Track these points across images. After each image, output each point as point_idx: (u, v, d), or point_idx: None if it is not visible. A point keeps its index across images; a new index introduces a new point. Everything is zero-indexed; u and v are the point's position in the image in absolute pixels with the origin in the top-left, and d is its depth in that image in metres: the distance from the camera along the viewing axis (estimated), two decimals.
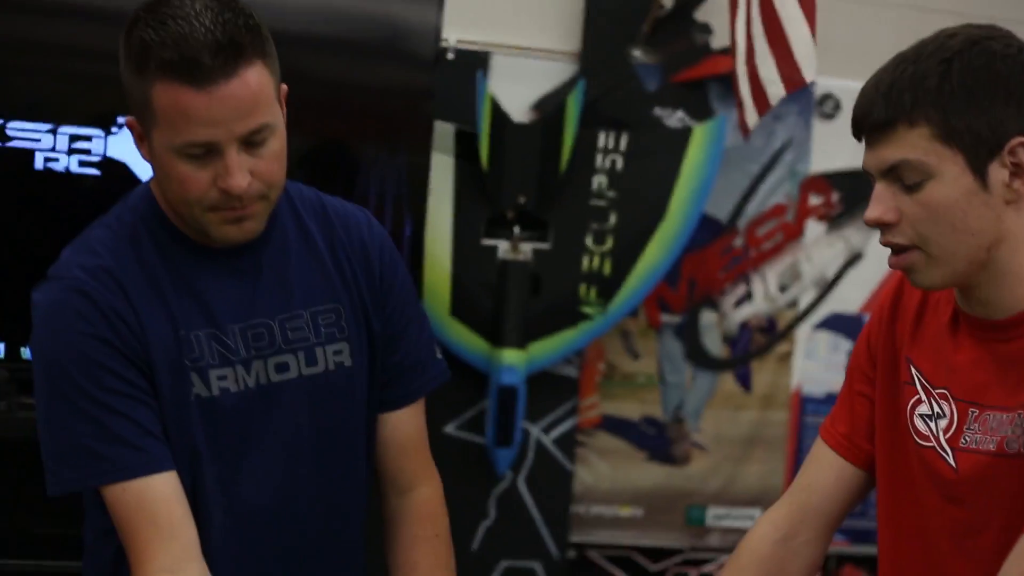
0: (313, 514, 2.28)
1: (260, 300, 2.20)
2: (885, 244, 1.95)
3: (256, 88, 2.01)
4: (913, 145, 1.87)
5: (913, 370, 2.08)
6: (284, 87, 2.14)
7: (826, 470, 2.22)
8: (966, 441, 1.97)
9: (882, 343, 2.16)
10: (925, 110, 1.86)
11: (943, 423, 2.02)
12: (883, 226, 1.93)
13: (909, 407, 2.08)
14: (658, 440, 4.51)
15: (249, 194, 2.05)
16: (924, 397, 2.06)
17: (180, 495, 2.11)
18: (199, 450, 2.16)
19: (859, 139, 1.95)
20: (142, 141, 2.09)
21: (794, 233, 4.52)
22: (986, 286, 1.94)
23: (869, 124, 1.91)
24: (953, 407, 2.00)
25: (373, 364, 2.31)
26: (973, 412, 1.97)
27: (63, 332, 2.09)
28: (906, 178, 1.89)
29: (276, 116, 2.07)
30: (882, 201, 1.92)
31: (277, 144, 2.07)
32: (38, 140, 3.44)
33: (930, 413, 2.04)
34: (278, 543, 2.25)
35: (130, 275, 2.12)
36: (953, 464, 1.99)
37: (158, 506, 2.08)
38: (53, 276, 2.13)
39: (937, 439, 2.02)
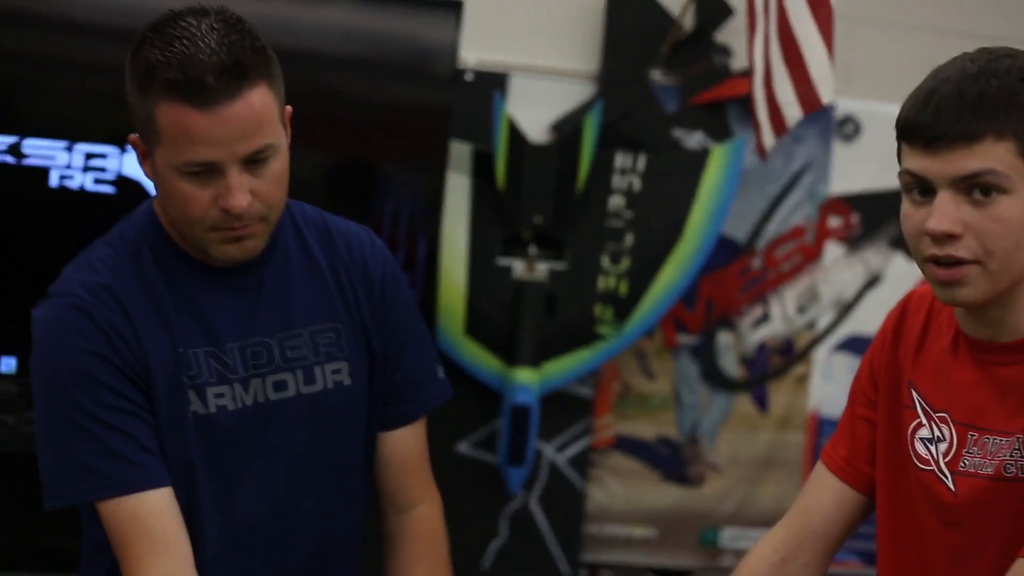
0: (310, 532, 2.28)
1: (260, 318, 2.21)
2: (943, 256, 1.88)
3: (260, 110, 2.03)
4: (999, 158, 1.84)
5: (914, 394, 2.08)
6: (289, 108, 2.15)
7: (826, 493, 2.22)
8: (965, 465, 1.97)
9: (884, 367, 2.16)
10: (1015, 125, 1.83)
11: (943, 447, 2.01)
12: (948, 238, 1.87)
13: (910, 431, 2.08)
14: (673, 461, 4.50)
15: (250, 214, 2.06)
16: (925, 421, 2.05)
17: (175, 511, 2.12)
18: (195, 467, 2.17)
19: (921, 144, 1.88)
20: (145, 159, 2.11)
21: (813, 255, 4.51)
22: (997, 309, 1.93)
23: (956, 131, 1.85)
24: (953, 430, 2.00)
25: (373, 383, 2.32)
26: (972, 436, 1.97)
27: (61, 348, 2.11)
28: (982, 190, 1.85)
29: (279, 138, 2.08)
30: (949, 212, 1.86)
31: (279, 165, 2.09)
32: (53, 158, 3.45)
33: (930, 437, 2.04)
34: (274, 561, 2.26)
35: (130, 292, 2.14)
36: (952, 488, 1.99)
37: (152, 521, 2.09)
38: (53, 293, 2.16)
39: (937, 463, 2.02)
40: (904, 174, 1.91)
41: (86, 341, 2.10)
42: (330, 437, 2.28)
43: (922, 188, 1.89)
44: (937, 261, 1.89)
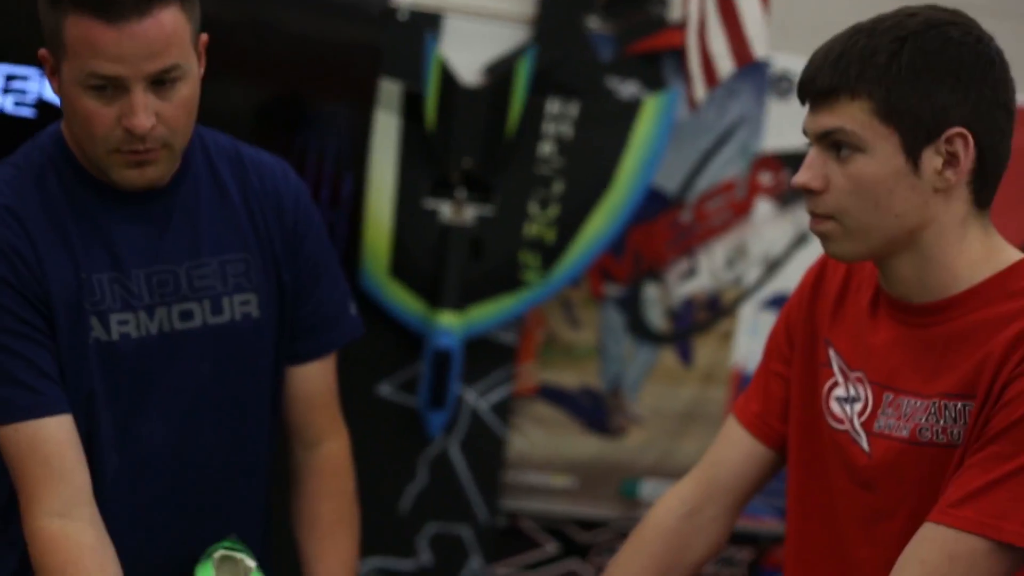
0: (212, 464, 2.27)
1: (167, 246, 2.19)
2: (808, 211, 1.96)
3: (169, 30, 2.00)
4: (852, 117, 1.87)
5: (831, 352, 2.08)
6: (204, 37, 2.13)
7: (736, 447, 2.23)
8: (880, 426, 1.97)
9: (801, 323, 2.16)
10: (869, 85, 1.86)
11: (858, 406, 2.01)
12: (808, 192, 1.93)
13: (825, 389, 2.08)
14: (595, 411, 4.49)
15: (152, 136, 2.04)
16: (841, 380, 2.05)
17: (74, 439, 2.11)
18: (96, 394, 2.15)
19: (803, 103, 1.95)
20: (53, 76, 2.09)
21: (743, 210, 4.50)
22: (907, 267, 1.93)
23: (814, 89, 1.91)
24: (868, 390, 2.00)
25: (283, 317, 2.30)
26: (888, 396, 1.97)
27: None
28: (837, 147, 1.89)
29: (189, 61, 2.05)
30: (812, 168, 1.93)
31: (187, 91, 2.06)
32: None
33: (846, 396, 2.04)
34: (175, 492, 2.24)
35: (33, 215, 2.11)
36: (867, 449, 1.98)
37: (50, 448, 2.08)
38: None
39: (851, 423, 2.01)
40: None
41: None
42: (236, 368, 2.27)
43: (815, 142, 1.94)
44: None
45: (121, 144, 2.05)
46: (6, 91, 3.38)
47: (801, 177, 1.92)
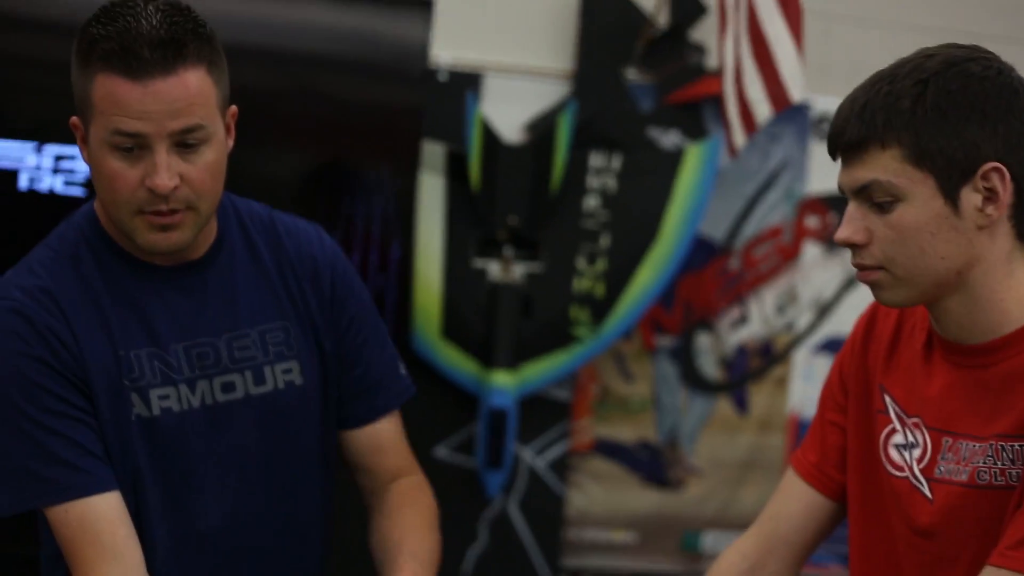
0: (265, 535, 2.26)
1: (205, 319, 2.19)
2: (854, 265, 1.93)
3: (194, 90, 2.01)
4: (884, 167, 1.85)
5: (887, 398, 2.05)
6: (233, 108, 2.14)
7: (795, 500, 2.20)
8: (940, 471, 1.94)
9: (854, 371, 2.13)
10: (897, 132, 1.84)
11: (917, 452, 1.98)
12: (853, 246, 1.91)
13: (883, 437, 2.05)
14: (653, 464, 4.47)
15: (176, 198, 2.03)
16: (898, 426, 2.02)
17: (124, 515, 2.10)
18: (142, 471, 2.14)
19: (834, 158, 1.94)
20: (83, 143, 2.09)
21: (791, 255, 4.48)
22: (958, 308, 1.91)
23: (843, 143, 1.89)
24: (927, 436, 1.97)
25: (326, 382, 2.29)
26: (947, 441, 1.94)
27: (1, 353, 2.08)
28: (876, 199, 1.87)
29: (214, 125, 2.06)
30: (853, 221, 1.90)
31: (212, 156, 2.06)
32: (23, 159, 3.40)
33: (904, 443, 2.01)
34: (228, 564, 2.23)
35: (68, 295, 2.12)
36: (929, 495, 1.96)
37: (101, 526, 2.07)
38: None
39: (911, 469, 1.99)
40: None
41: (25, 345, 2.08)
42: (282, 438, 2.25)
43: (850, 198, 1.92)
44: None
45: (144, 205, 2.04)
46: (56, 171, 3.40)
47: (843, 233, 1.90)
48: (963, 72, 1.85)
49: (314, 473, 2.32)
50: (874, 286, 1.92)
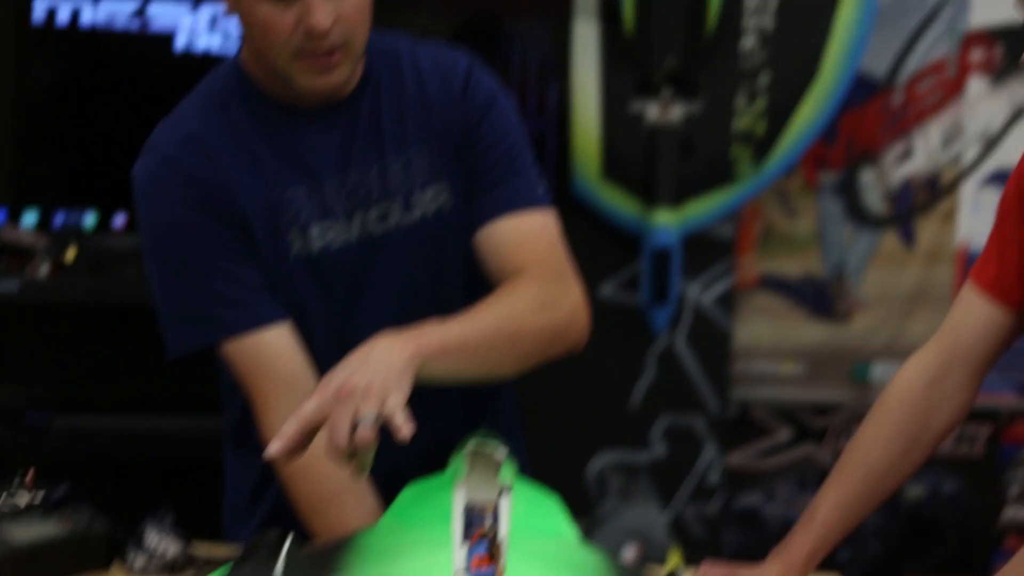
0: None
1: (356, 152, 2.21)
2: None
3: None
4: None
5: None
6: None
7: (975, 312, 2.13)
8: None
9: None
10: None
11: None
12: None
13: None
14: (819, 298, 4.52)
15: (333, 37, 2.06)
16: None
17: (296, 346, 2.16)
18: (307, 307, 2.20)
19: None
20: None
21: (955, 89, 4.46)
22: None
23: None
24: None
25: (470, 206, 2.28)
26: None
27: (157, 203, 2.17)
28: None
29: None
30: None
31: None
32: (178, 20, 3.46)
33: None
34: None
35: (218, 141, 2.18)
36: None
37: (274, 358, 2.14)
38: (146, 149, 2.22)
39: None
40: None
41: (177, 194, 2.16)
42: (434, 261, 2.26)
43: None
44: None
45: (302, 47, 2.06)
46: (211, 31, 3.49)
47: None
48: None
49: (459, 296, 2.27)
50: None
